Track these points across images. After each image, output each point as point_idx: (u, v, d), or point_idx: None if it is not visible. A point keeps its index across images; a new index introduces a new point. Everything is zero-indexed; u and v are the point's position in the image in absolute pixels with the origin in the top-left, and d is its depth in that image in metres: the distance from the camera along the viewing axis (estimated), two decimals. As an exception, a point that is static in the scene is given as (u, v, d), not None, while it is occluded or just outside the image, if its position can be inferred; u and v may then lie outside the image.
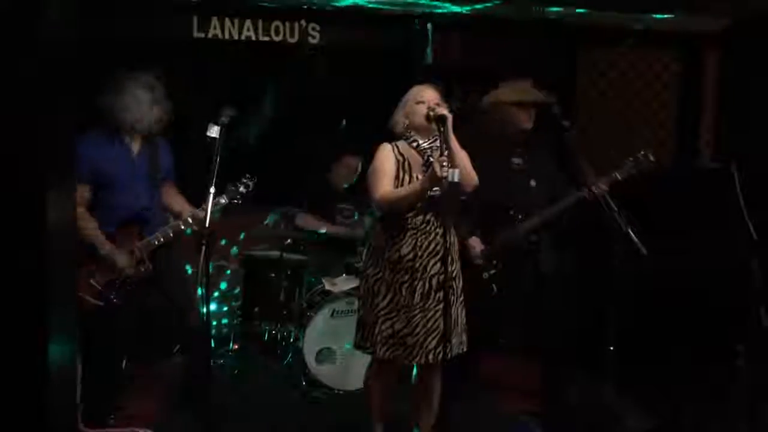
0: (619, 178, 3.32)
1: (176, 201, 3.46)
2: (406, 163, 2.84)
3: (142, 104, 3.22)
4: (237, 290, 4.99)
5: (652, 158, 3.35)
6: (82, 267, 3.14)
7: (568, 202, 3.35)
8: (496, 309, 3.43)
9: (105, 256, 3.17)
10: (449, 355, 2.73)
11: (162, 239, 3.25)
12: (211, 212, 2.74)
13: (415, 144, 2.86)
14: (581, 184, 3.28)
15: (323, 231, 4.48)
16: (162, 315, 3.81)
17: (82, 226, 3.12)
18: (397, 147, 2.88)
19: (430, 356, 2.79)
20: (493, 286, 3.33)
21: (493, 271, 3.34)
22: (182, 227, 3.29)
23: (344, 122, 4.48)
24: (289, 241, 4.57)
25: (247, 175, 3.37)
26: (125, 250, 3.21)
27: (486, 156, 3.29)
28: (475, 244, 3.32)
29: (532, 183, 3.43)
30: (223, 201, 3.29)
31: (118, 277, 3.21)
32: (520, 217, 3.38)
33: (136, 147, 3.31)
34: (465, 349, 2.89)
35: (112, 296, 3.19)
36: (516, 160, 3.44)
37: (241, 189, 3.33)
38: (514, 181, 3.42)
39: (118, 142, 3.27)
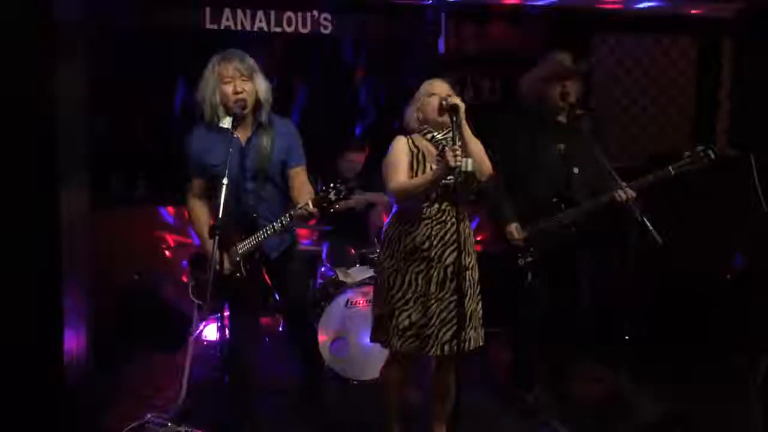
0: (672, 173, 3.15)
1: (301, 193, 2.92)
2: (421, 154, 2.84)
3: (227, 85, 2.87)
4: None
5: (713, 155, 3.15)
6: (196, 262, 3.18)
7: (606, 198, 3.20)
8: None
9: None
10: (465, 349, 2.72)
11: (253, 245, 2.95)
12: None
13: (429, 136, 2.85)
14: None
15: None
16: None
17: (193, 219, 3.09)
18: (412, 139, 2.87)
19: (446, 348, 2.78)
20: (528, 274, 3.28)
21: (530, 259, 3.30)
22: (274, 231, 2.90)
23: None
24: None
25: (339, 182, 2.78)
26: (225, 251, 2.85)
27: (528, 142, 3.28)
28: (513, 230, 3.29)
29: (575, 171, 3.30)
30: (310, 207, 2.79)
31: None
32: (562, 206, 3.28)
33: (243, 136, 2.96)
34: (482, 344, 2.87)
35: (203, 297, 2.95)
36: (560, 146, 3.31)
37: (331, 196, 2.74)
38: (556, 168, 3.31)
39: (222, 133, 2.87)
